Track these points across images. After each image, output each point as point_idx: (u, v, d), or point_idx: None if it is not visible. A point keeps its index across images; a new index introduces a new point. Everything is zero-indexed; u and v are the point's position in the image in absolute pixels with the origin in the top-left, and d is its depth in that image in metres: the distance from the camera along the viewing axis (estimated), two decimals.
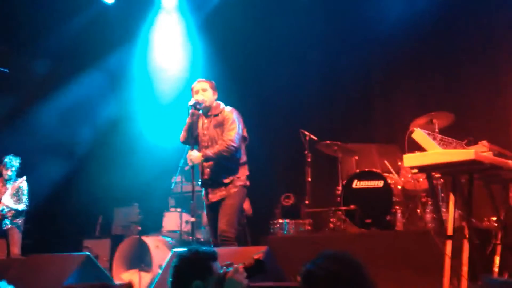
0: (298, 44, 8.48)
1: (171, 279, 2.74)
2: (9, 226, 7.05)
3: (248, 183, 5.15)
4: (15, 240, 7.07)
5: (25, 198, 7.15)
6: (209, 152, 4.94)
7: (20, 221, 7.15)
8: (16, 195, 7.09)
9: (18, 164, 7.26)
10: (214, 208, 5.01)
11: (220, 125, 5.04)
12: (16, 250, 7.02)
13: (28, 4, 8.51)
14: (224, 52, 8.62)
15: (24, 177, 7.15)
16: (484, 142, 4.28)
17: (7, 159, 7.20)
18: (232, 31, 8.55)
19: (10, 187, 7.09)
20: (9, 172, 7.18)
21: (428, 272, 4.67)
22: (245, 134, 5.18)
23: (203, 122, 5.15)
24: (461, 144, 4.22)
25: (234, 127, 4.98)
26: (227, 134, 4.96)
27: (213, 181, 5.01)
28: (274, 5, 8.50)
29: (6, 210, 6.98)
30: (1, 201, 7.00)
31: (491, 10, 7.17)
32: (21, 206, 7.10)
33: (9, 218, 7.02)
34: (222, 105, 5.16)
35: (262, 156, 7.97)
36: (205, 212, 5.46)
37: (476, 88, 7.21)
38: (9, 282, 4.73)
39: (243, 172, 5.10)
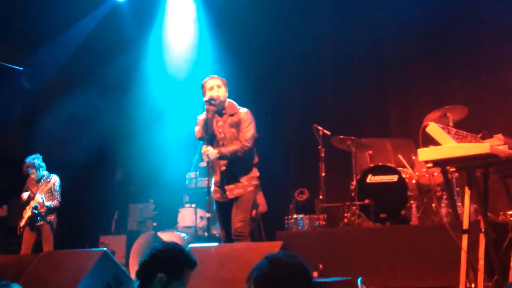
0: (311, 39, 8.48)
1: (141, 262, 2.74)
2: (41, 222, 7.15)
3: (259, 183, 5.20)
4: (47, 237, 7.17)
5: (57, 194, 7.25)
6: (225, 150, 4.98)
7: (52, 217, 7.24)
8: (49, 192, 7.19)
9: (40, 161, 7.36)
10: (227, 206, 5.03)
11: (236, 125, 5.08)
12: (48, 247, 7.11)
13: (41, 3, 8.58)
14: (236, 47, 8.63)
15: (56, 176, 7.26)
16: (499, 136, 4.24)
17: (31, 161, 7.29)
18: (244, 26, 8.56)
19: (41, 185, 7.18)
20: (40, 172, 7.29)
21: (444, 266, 4.67)
22: (256, 134, 5.22)
23: (217, 120, 5.16)
24: (476, 137, 4.19)
25: (251, 129, 5.06)
26: (244, 135, 5.02)
27: (229, 179, 5.03)
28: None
29: (39, 207, 7.08)
30: (35, 198, 7.11)
31: (507, 2, 7.11)
32: (54, 203, 7.20)
33: (42, 214, 7.12)
34: (236, 105, 5.19)
35: (276, 152, 7.99)
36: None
37: (491, 81, 7.17)
38: (27, 279, 4.80)
39: (256, 172, 5.15)
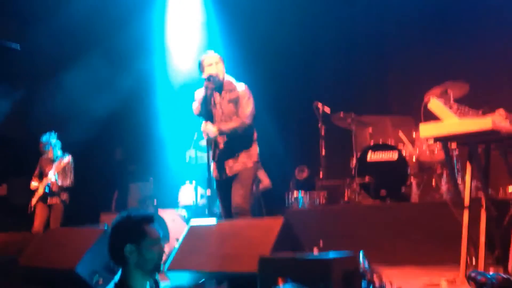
0: (310, 15, 8.40)
1: (107, 248, 2.73)
2: (54, 201, 7.19)
3: (259, 159, 5.18)
4: (56, 215, 7.22)
5: (71, 174, 7.29)
6: (225, 127, 4.95)
7: (65, 196, 7.28)
8: (63, 172, 7.22)
9: (56, 140, 7.38)
10: (227, 183, 5.02)
11: (235, 101, 5.04)
12: (55, 224, 7.17)
13: None
14: (236, 24, 8.56)
15: (70, 156, 7.28)
16: (501, 111, 4.22)
17: (47, 139, 7.32)
18: (245, 3, 8.47)
19: (56, 164, 7.20)
20: (55, 151, 7.32)
21: (444, 242, 4.69)
22: (254, 110, 5.19)
23: (215, 97, 5.13)
24: (477, 113, 4.18)
25: (250, 104, 5.02)
26: (243, 111, 4.98)
27: (229, 156, 5.01)
28: None
29: (52, 185, 7.12)
30: (47, 177, 7.14)
31: None
32: (66, 183, 7.24)
33: (55, 193, 7.16)
34: (234, 81, 5.15)
35: (276, 130, 7.97)
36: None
37: (492, 56, 7.12)
38: (29, 256, 4.82)
39: (256, 148, 5.13)
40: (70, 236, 4.99)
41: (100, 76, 8.88)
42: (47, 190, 7.14)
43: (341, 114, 6.87)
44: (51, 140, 7.32)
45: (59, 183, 7.14)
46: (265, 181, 7.38)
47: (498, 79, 7.00)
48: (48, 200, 7.19)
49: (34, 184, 7.27)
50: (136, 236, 2.68)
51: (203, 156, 7.28)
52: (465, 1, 7.41)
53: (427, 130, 3.98)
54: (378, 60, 8.13)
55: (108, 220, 8.04)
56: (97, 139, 9.06)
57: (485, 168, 4.26)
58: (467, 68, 7.19)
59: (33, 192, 7.30)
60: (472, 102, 4.94)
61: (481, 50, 7.23)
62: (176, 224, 7.13)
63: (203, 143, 6.93)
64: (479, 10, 7.28)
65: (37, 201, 7.20)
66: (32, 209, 7.24)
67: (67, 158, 7.25)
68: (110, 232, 2.74)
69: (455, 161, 5.86)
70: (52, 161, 7.29)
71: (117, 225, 2.73)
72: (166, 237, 7.13)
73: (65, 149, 7.60)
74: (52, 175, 7.10)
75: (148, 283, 2.75)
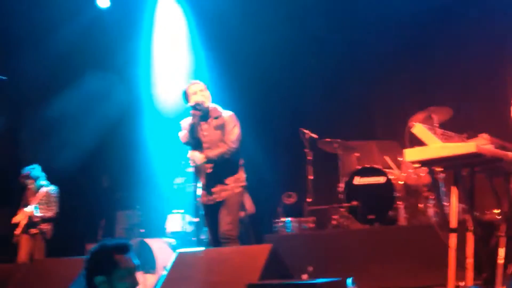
0: (296, 42, 8.50)
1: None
2: (36, 231, 7.14)
3: (246, 184, 5.21)
4: (40, 246, 7.21)
5: (53, 205, 7.25)
6: (211, 153, 5.00)
7: (46, 226, 7.24)
8: (45, 203, 7.19)
9: (39, 172, 7.35)
10: (214, 209, 5.04)
11: (221, 127, 5.11)
12: (39, 255, 7.16)
13: (24, 10, 8.52)
14: (222, 50, 8.63)
15: (55, 189, 7.33)
16: (485, 135, 4.29)
17: (27, 172, 7.32)
18: (231, 29, 8.55)
19: (37, 195, 7.19)
20: (38, 183, 7.29)
21: (432, 265, 4.69)
22: (241, 136, 5.24)
23: (202, 124, 5.18)
24: (461, 137, 4.24)
25: (236, 131, 5.08)
26: (229, 136, 5.05)
27: (216, 182, 5.04)
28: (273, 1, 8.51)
29: (32, 216, 7.09)
30: (28, 207, 7.11)
31: (493, 1, 7.20)
32: (49, 214, 7.21)
33: (36, 223, 7.12)
34: (220, 108, 5.22)
35: (263, 156, 7.99)
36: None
37: (475, 81, 7.24)
38: (14, 287, 4.76)
39: (242, 173, 5.17)
40: (55, 266, 4.96)
41: (86, 103, 8.89)
42: (29, 220, 7.11)
43: (328, 139, 6.91)
44: (31, 173, 7.33)
45: (41, 214, 7.14)
46: (248, 206, 7.35)
47: (482, 103, 7.10)
48: (31, 231, 7.17)
49: (17, 217, 7.24)
50: (106, 267, 2.59)
51: (190, 184, 7.27)
52: (448, 28, 7.55)
53: (412, 154, 4.03)
54: (363, 86, 8.21)
55: None
56: (84, 166, 9.03)
57: (470, 191, 4.31)
58: (451, 93, 7.29)
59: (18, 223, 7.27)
60: (456, 127, 5.01)
61: (465, 76, 7.35)
62: (163, 252, 7.07)
63: (190, 170, 6.93)
64: (463, 36, 7.41)
65: (21, 232, 7.16)
66: (16, 239, 7.20)
67: (50, 190, 7.24)
68: (84, 264, 2.67)
69: (441, 184, 5.90)
70: (35, 192, 7.29)
71: (90, 255, 2.66)
72: (152, 266, 7.07)
73: (51, 178, 7.57)
74: (32, 207, 7.09)
75: None
